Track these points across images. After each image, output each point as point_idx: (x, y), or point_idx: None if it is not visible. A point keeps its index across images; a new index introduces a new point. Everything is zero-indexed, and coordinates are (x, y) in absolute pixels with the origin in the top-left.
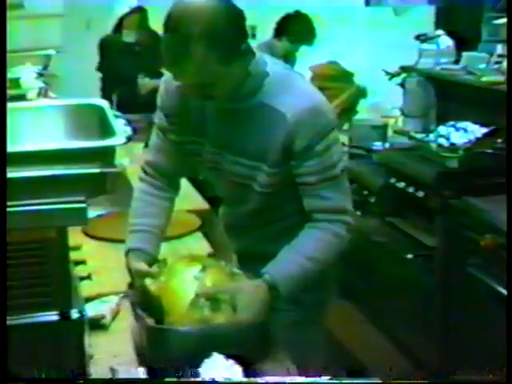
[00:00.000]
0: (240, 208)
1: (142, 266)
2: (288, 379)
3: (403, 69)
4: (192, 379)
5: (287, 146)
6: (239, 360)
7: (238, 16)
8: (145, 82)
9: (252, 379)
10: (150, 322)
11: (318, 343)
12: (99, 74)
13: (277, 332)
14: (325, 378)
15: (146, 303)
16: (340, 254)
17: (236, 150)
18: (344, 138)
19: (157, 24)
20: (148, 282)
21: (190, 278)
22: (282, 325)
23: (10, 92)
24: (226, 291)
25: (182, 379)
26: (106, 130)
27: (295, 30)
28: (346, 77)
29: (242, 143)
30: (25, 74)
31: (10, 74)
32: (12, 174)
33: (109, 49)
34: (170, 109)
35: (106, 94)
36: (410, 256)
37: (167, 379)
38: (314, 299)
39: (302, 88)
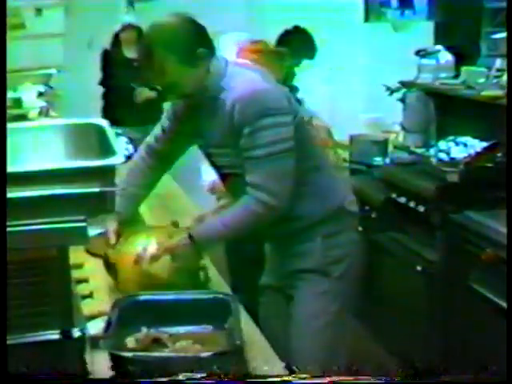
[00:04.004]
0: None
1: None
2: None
3: (403, 84)
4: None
5: (231, 128)
6: None
7: (192, 27)
8: (141, 90)
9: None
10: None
11: (342, 316)
12: (101, 91)
13: (306, 301)
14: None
15: (108, 267)
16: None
17: (211, 143)
18: (345, 154)
19: None
20: (110, 251)
21: (136, 243)
22: (311, 294)
23: (11, 112)
24: (159, 246)
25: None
26: (106, 149)
27: (296, 44)
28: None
29: (213, 136)
30: (26, 93)
31: (13, 94)
32: (13, 193)
33: (111, 61)
34: (174, 111)
35: (107, 110)
36: (413, 269)
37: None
38: (341, 269)
39: (244, 79)
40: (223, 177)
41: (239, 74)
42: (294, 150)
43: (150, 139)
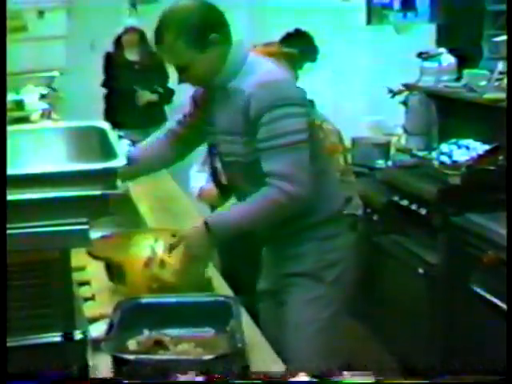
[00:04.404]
0: (242, 192)
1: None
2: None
3: (405, 86)
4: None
5: (246, 117)
6: None
7: (208, 12)
8: (143, 93)
9: None
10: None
11: (336, 321)
12: (103, 94)
13: (298, 307)
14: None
15: (110, 270)
16: (282, 217)
17: (221, 129)
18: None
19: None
20: (115, 254)
21: (144, 246)
22: (303, 300)
23: (14, 114)
24: (173, 242)
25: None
26: (108, 152)
27: (297, 48)
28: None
29: (224, 123)
30: (28, 95)
31: (15, 96)
32: (14, 196)
33: (113, 64)
34: (194, 97)
35: (109, 112)
36: (414, 271)
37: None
38: (334, 274)
39: (264, 69)
40: (228, 165)
41: (260, 64)
42: (309, 142)
43: (170, 124)
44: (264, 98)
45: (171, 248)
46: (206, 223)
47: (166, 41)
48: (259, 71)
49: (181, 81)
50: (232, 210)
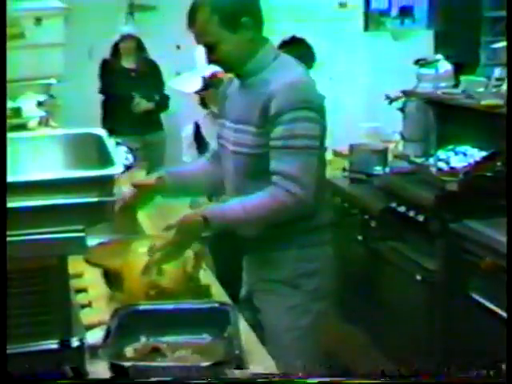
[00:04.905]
0: (239, 191)
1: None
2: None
3: (403, 93)
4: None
5: (265, 110)
6: None
7: None
8: (139, 101)
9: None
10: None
11: (315, 329)
12: (100, 99)
13: (276, 315)
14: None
15: (107, 277)
16: (286, 219)
17: (234, 118)
18: (345, 163)
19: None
20: (112, 261)
21: (142, 253)
22: (280, 308)
23: (11, 121)
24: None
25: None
26: (105, 159)
27: (294, 55)
28: None
29: (240, 112)
30: (26, 103)
31: (12, 104)
32: (11, 203)
33: (109, 71)
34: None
35: (106, 119)
36: (412, 278)
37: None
38: (313, 284)
39: (293, 69)
40: (231, 155)
41: (290, 64)
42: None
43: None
44: (289, 97)
45: (167, 228)
46: (204, 215)
47: (199, 18)
48: (288, 70)
49: (210, 61)
50: (235, 203)
